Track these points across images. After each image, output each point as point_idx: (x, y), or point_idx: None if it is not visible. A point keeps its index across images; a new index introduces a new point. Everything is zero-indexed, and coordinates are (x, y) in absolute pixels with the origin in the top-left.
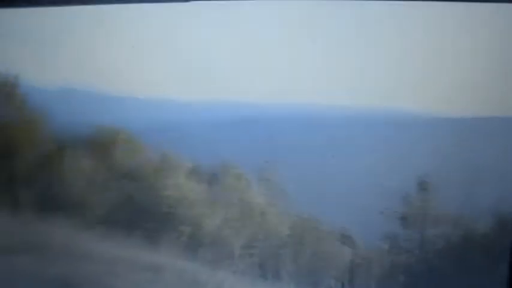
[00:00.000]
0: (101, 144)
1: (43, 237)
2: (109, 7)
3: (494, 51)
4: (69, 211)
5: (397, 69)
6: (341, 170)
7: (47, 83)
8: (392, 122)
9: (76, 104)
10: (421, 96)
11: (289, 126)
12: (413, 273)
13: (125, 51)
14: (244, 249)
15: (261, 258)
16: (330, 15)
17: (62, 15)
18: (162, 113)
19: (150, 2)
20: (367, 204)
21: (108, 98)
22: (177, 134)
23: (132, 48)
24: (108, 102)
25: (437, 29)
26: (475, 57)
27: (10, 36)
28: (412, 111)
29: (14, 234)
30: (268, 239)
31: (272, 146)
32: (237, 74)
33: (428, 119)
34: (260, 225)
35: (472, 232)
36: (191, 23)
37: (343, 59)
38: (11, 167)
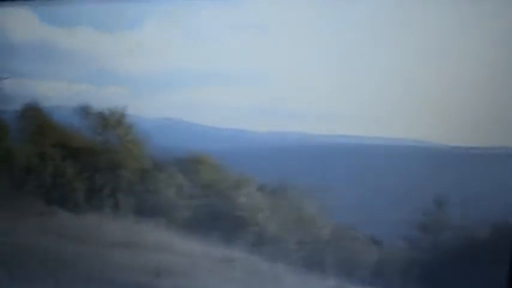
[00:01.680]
0: (190, 164)
1: (140, 235)
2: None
3: None
4: (162, 215)
5: (419, 106)
6: (373, 189)
7: (149, 115)
8: (413, 152)
9: (171, 132)
10: (439, 131)
11: (334, 154)
12: (428, 267)
13: (209, 91)
14: (297, 246)
15: (309, 253)
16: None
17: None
18: (238, 140)
19: None
20: (393, 216)
21: (197, 127)
22: (249, 157)
23: (215, 89)
24: (197, 131)
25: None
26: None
27: (117, 80)
28: (430, 143)
29: (116, 232)
30: (315, 239)
31: (321, 168)
32: (297, 111)
33: (442, 150)
34: (309, 228)
35: (473, 237)
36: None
37: (376, 97)
38: (116, 179)
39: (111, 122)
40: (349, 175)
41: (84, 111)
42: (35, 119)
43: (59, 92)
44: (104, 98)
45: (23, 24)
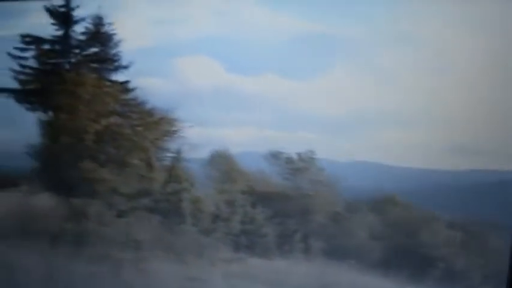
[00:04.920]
0: (380, 204)
1: (333, 278)
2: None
3: None
4: (353, 256)
5: None
6: None
7: (338, 158)
8: None
9: (360, 173)
10: None
11: None
12: None
13: (394, 130)
14: (485, 280)
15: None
16: None
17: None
18: (426, 179)
19: None
20: None
21: (386, 168)
22: (437, 195)
23: (399, 128)
24: (386, 171)
25: None
26: None
27: (304, 124)
28: None
29: (308, 276)
30: (502, 273)
31: (506, 204)
32: (481, 149)
33: None
34: (496, 264)
35: None
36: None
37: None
38: (307, 224)
39: (300, 166)
40: None
41: (273, 156)
42: (223, 166)
43: (246, 138)
44: (292, 142)
45: (206, 71)
